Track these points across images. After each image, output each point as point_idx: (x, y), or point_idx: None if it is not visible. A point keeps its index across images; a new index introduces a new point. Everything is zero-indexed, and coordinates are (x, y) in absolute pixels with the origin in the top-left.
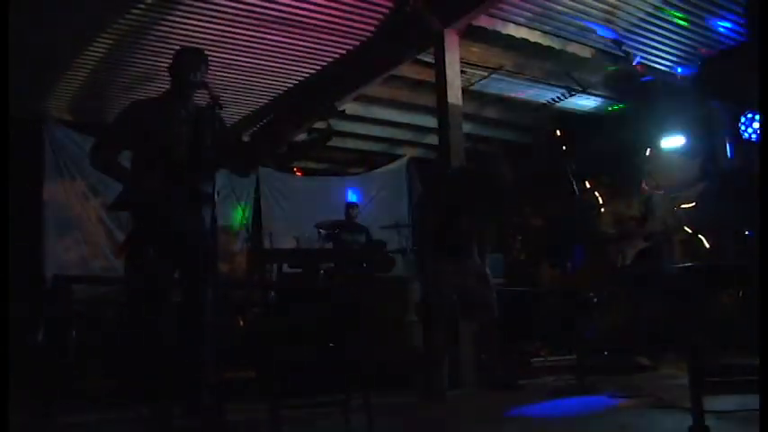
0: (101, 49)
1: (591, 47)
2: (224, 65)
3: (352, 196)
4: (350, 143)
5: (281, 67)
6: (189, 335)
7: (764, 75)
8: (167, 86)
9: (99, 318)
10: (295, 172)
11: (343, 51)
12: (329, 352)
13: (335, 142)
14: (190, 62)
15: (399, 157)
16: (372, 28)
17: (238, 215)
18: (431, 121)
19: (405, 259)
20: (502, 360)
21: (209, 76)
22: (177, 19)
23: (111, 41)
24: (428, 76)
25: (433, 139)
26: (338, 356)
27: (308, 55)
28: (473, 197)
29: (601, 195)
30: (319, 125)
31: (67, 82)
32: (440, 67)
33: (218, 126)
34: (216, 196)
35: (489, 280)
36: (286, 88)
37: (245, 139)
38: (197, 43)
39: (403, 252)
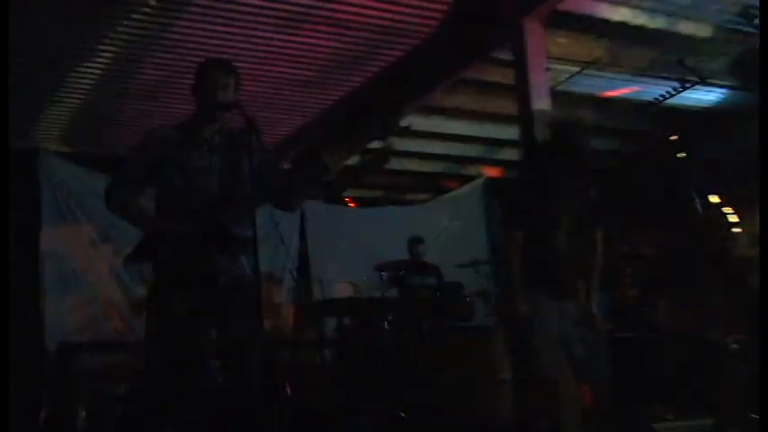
0: (99, 65)
1: (711, 24)
2: (253, 77)
3: (417, 230)
4: (411, 164)
5: (323, 78)
6: (230, 413)
7: (764, 74)
8: (181, 103)
9: (115, 394)
10: (347, 203)
11: (400, 53)
12: (400, 422)
13: (394, 164)
14: (216, 78)
15: (473, 178)
16: (435, 22)
17: (282, 258)
18: (510, 133)
19: (488, 304)
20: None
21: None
22: (190, 24)
23: (110, 54)
24: (505, 77)
25: (514, 155)
26: (412, 427)
27: (356, 60)
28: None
29: (732, 212)
30: (374, 145)
31: (62, 105)
32: (520, 65)
33: (256, 154)
34: (256, 238)
35: (600, 326)
36: (331, 102)
37: (285, 166)
38: (218, 52)
39: (485, 295)
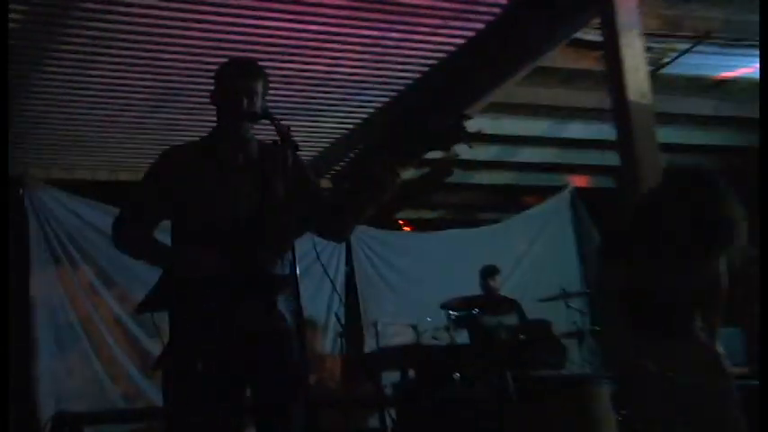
0: (95, 71)
1: None
2: (283, 79)
3: (490, 257)
4: (480, 177)
5: (370, 76)
6: None
7: (764, 74)
8: (203, 118)
9: None
10: (402, 226)
11: (462, 40)
12: None
13: (458, 177)
14: (240, 83)
15: (558, 189)
16: (505, 1)
17: (325, 298)
18: (603, 131)
19: (582, 347)
20: None
21: (271, 100)
22: (203, 17)
23: (107, 59)
24: (591, 62)
25: (609, 159)
26: None
27: (409, 52)
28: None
29: None
30: (433, 154)
31: (51, 124)
32: (611, 46)
33: (293, 173)
34: (297, 276)
35: (728, 373)
36: (380, 104)
37: (324, 183)
38: (239, 50)
39: (579, 336)
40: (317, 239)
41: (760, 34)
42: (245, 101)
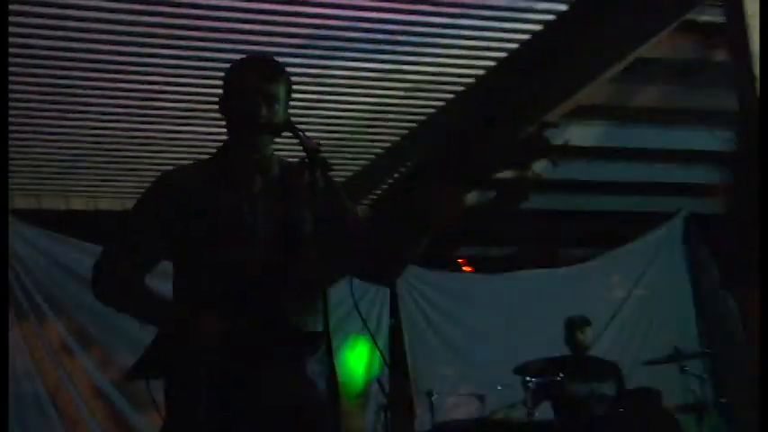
0: (66, 73)
1: None
2: (312, 80)
3: (579, 307)
4: (564, 201)
5: (423, 74)
6: None
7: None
8: (209, 131)
9: None
10: (462, 266)
11: (538, 26)
12: None
13: (535, 202)
14: (257, 86)
15: (667, 216)
16: None
17: (363, 358)
18: (723, 140)
19: (703, 424)
20: None
21: (295, 109)
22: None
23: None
24: (707, 50)
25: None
26: None
27: (472, 42)
28: None
29: None
30: (504, 174)
31: (11, 139)
32: (736, 27)
33: (324, 199)
34: (329, 331)
35: None
36: (433, 110)
37: (362, 211)
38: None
39: (698, 410)
40: (356, 283)
41: (760, 36)
42: (264, 109)
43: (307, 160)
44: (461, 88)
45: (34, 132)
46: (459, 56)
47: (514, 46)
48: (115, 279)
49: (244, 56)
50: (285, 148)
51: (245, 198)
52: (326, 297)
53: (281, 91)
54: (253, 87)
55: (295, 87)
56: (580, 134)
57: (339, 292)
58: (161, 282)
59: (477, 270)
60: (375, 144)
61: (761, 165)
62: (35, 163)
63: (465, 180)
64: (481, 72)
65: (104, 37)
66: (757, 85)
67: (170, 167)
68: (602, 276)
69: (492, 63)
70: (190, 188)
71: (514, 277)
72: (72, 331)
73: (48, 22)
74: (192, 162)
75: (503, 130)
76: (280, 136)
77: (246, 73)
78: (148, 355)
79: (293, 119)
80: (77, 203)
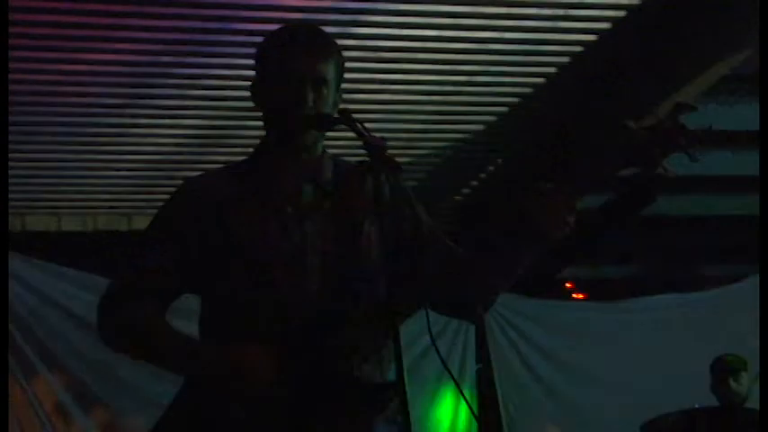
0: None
1: None
2: (370, 55)
3: (727, 341)
4: (703, 205)
5: (512, 52)
6: None
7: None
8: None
9: None
10: (569, 291)
11: None
12: None
13: (663, 206)
14: (300, 65)
15: None
16: None
17: (445, 413)
18: None
19: None
20: None
21: (354, 96)
22: None
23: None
24: None
25: None
26: None
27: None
28: None
29: None
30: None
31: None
32: None
33: (392, 212)
34: (403, 380)
35: None
36: (534, 87)
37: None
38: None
39: None
40: (432, 316)
41: (760, 36)
42: (309, 94)
43: (369, 161)
44: (566, 59)
45: (21, 135)
46: (569, 17)
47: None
48: (126, 316)
49: (280, 26)
50: (338, 144)
51: (291, 213)
52: (398, 337)
53: (332, 71)
54: (294, 67)
55: (348, 64)
56: (725, 115)
57: (412, 328)
58: (180, 322)
59: (590, 297)
60: (454, 135)
61: (761, 165)
62: (21, 174)
63: (579, 183)
64: (593, 38)
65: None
66: None
67: (195, 173)
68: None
69: (607, 25)
70: (221, 201)
71: (639, 305)
72: (69, 387)
73: None
74: (222, 166)
75: (622, 112)
76: (331, 130)
77: (285, 48)
78: (170, 415)
79: (348, 107)
80: (71, 223)
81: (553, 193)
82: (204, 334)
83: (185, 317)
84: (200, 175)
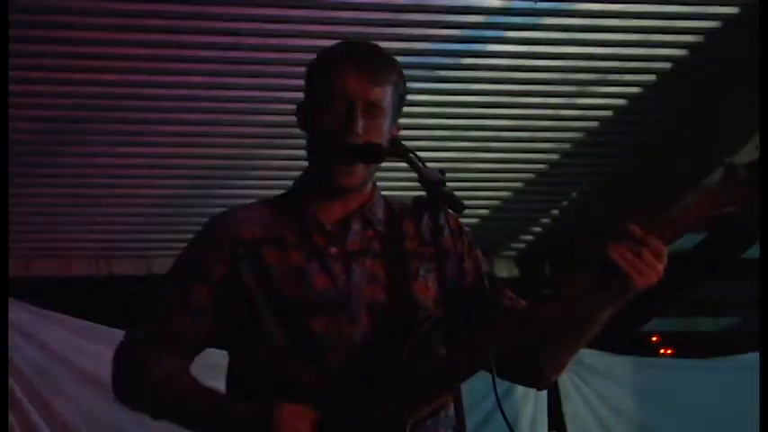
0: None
1: None
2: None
3: None
4: None
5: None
6: None
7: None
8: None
9: None
10: (656, 346)
11: None
12: None
13: None
14: (351, 87)
15: None
16: None
17: None
18: None
19: None
20: None
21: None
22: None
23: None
24: None
25: None
26: None
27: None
28: None
29: None
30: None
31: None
32: None
33: (454, 257)
34: None
35: None
36: (613, 109)
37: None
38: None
39: None
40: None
41: (760, 35)
42: (359, 122)
43: (425, 197)
44: (653, 78)
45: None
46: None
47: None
48: (147, 371)
49: (336, 42)
50: (392, 179)
51: (335, 255)
52: (459, 399)
53: (389, 96)
54: (345, 87)
55: (411, 90)
56: None
57: (472, 386)
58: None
59: (678, 353)
60: (524, 167)
61: (761, 165)
62: (19, 213)
63: (672, 222)
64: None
65: None
66: None
67: (224, 208)
68: None
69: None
70: (255, 239)
71: (738, 362)
72: None
73: None
74: (255, 201)
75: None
76: (384, 161)
77: (337, 68)
78: None
79: (406, 138)
80: (82, 267)
81: (643, 237)
82: (232, 391)
83: (208, 373)
84: (229, 210)
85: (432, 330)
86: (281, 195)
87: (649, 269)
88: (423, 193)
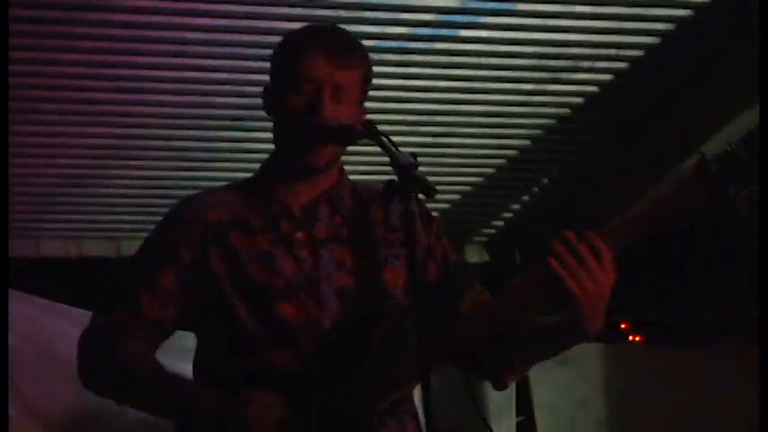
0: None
1: None
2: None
3: None
4: None
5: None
6: None
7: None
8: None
9: None
10: (625, 333)
11: None
12: None
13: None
14: (318, 69)
15: None
16: None
17: None
18: None
19: None
20: None
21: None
22: None
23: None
24: None
25: None
26: None
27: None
28: None
29: None
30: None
31: None
32: None
33: (424, 242)
34: None
35: None
36: (585, 95)
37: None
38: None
39: None
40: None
41: (759, 35)
42: (327, 103)
43: (396, 182)
44: (625, 66)
45: None
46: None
47: None
48: (114, 356)
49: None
50: (359, 162)
51: (303, 242)
52: (428, 388)
53: (355, 80)
54: (310, 70)
55: (383, 74)
56: None
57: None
58: (170, 362)
59: (648, 341)
60: (495, 153)
61: (761, 165)
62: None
63: (628, 226)
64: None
65: None
66: None
67: (193, 191)
68: None
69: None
70: (222, 223)
71: (709, 351)
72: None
73: None
74: (223, 185)
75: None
76: (353, 144)
77: (303, 51)
78: None
79: (377, 122)
80: (51, 249)
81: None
82: (200, 374)
83: (176, 356)
84: (197, 194)
85: (401, 318)
86: (250, 179)
87: (588, 278)
88: (392, 177)
